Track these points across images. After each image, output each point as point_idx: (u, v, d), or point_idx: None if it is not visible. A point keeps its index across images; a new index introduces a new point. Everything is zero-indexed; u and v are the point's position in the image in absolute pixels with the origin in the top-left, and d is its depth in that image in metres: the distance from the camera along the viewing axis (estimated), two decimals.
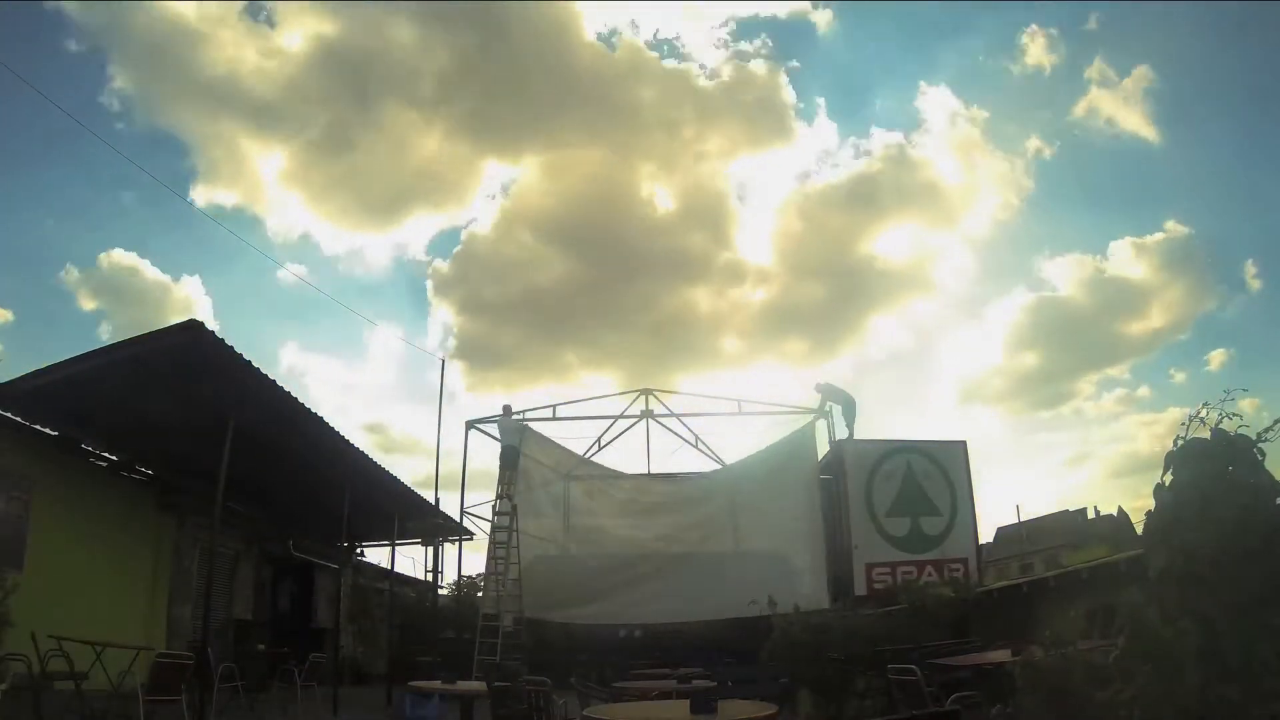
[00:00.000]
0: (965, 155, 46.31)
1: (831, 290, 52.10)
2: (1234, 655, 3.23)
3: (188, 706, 7.16)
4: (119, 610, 10.46)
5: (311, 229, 49.75)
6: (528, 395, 62.46)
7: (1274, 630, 3.23)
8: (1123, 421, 65.94)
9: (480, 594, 17.60)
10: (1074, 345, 55.48)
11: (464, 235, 51.44)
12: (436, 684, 7.53)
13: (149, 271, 45.45)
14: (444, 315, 51.66)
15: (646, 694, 6.87)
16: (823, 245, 49.39)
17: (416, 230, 52.26)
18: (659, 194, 50.36)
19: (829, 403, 16.98)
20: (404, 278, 54.56)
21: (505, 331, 51.77)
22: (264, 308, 50.92)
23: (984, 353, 58.82)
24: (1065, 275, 52.38)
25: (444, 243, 54.91)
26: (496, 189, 51.36)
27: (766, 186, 52.79)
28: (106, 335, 48.32)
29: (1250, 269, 47.27)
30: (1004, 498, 65.06)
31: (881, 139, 50.51)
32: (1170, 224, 49.39)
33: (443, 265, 53.14)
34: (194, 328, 7.28)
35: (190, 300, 48.82)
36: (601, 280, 51.13)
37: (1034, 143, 47.87)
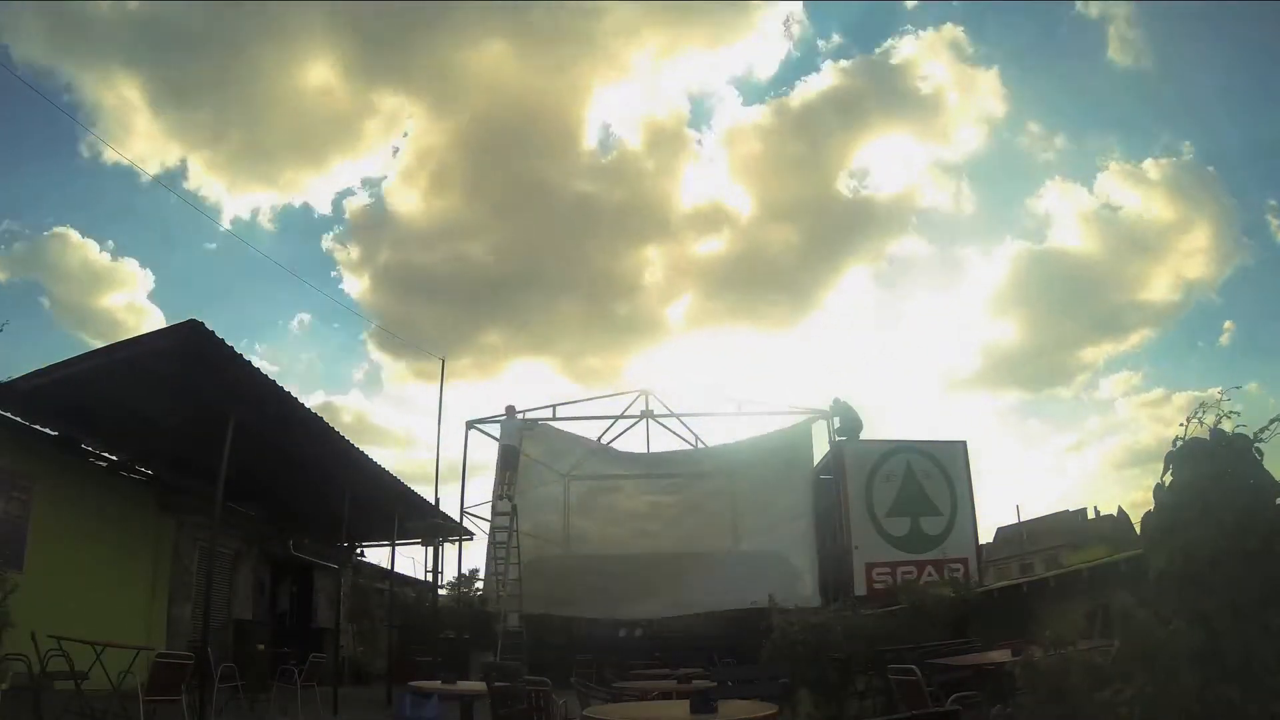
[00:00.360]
0: (946, 60, 42.68)
1: (803, 237, 47.05)
2: (1234, 655, 3.24)
3: (188, 706, 7.16)
4: (119, 610, 10.45)
5: (216, 196, 44.54)
6: (455, 387, 57.96)
7: (1274, 631, 3.23)
8: (1128, 404, 61.89)
9: (479, 594, 17.63)
10: (1075, 312, 49.71)
11: (360, 190, 45.87)
12: (436, 684, 7.53)
13: (73, 238, 43.05)
14: (355, 290, 46.80)
15: (646, 694, 6.87)
16: (792, 179, 43.98)
17: (319, 187, 47.61)
18: (594, 123, 44.25)
19: (835, 417, 16.94)
20: (310, 247, 49.14)
21: (417, 309, 46.13)
22: (184, 280, 48.19)
23: (972, 324, 54.32)
24: (1067, 223, 47.48)
25: (343, 202, 49.70)
26: (396, 130, 45.01)
27: (721, 106, 46.92)
28: (41, 310, 46.14)
29: (1273, 220, 42.52)
30: (1003, 495, 63.73)
31: (852, 46, 46.45)
32: (1168, 140, 45.20)
33: (334, 234, 48.42)
34: (194, 327, 7.28)
35: (122, 272, 46.78)
36: (527, 240, 44.64)
37: (1022, 40, 44.36)
